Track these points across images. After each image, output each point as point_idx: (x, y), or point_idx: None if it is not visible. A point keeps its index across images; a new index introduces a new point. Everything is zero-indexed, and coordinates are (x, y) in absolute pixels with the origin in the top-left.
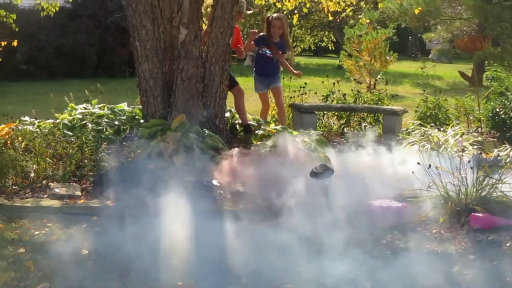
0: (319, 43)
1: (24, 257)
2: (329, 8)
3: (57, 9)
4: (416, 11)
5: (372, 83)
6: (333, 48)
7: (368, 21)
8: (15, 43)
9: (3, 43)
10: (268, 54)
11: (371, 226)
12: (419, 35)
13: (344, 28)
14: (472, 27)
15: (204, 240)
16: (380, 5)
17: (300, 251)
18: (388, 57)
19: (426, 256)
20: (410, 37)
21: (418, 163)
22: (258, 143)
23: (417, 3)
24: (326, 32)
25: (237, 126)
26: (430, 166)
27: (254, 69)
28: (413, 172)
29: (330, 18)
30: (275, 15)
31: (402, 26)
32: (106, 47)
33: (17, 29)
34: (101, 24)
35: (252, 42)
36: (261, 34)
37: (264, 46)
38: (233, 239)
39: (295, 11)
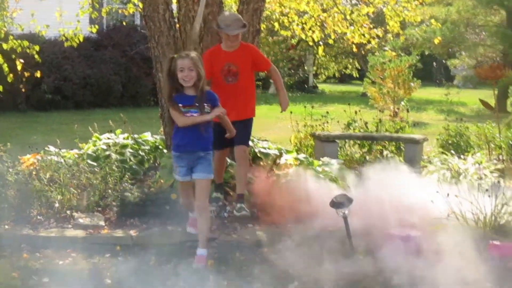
0: (344, 70)
1: (48, 287)
2: (354, 40)
3: (81, 40)
4: (436, 41)
5: (395, 110)
6: (358, 75)
7: (394, 54)
8: (38, 74)
9: (26, 74)
10: (192, 115)
11: (390, 255)
12: (444, 61)
13: (368, 55)
14: (496, 54)
15: None
16: (401, 38)
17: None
18: (412, 84)
19: (447, 285)
20: (434, 64)
21: (437, 192)
22: (279, 172)
23: (440, 30)
24: (350, 60)
25: (258, 154)
26: (448, 195)
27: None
28: (432, 201)
29: (355, 50)
30: (182, 52)
31: (426, 53)
32: (131, 76)
33: (40, 60)
34: (126, 54)
35: None
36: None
37: (184, 105)
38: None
39: (320, 42)
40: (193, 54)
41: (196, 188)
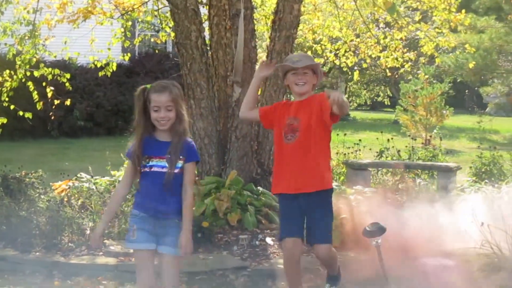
0: (375, 97)
1: None
2: (387, 64)
3: (115, 68)
4: (470, 65)
5: (428, 138)
6: (389, 103)
7: (426, 76)
8: (68, 102)
9: (56, 102)
10: (158, 169)
11: (424, 285)
12: (476, 89)
13: (400, 83)
14: None
15: None
16: (437, 60)
17: None
18: (444, 112)
19: None
20: (466, 91)
21: (471, 221)
22: None
23: (473, 57)
24: (382, 87)
25: None
26: (482, 224)
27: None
28: (466, 230)
29: (388, 74)
30: (157, 84)
31: (458, 80)
32: None
33: (70, 88)
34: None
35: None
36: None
37: (150, 156)
38: None
39: (355, 67)
40: (173, 87)
41: (163, 266)
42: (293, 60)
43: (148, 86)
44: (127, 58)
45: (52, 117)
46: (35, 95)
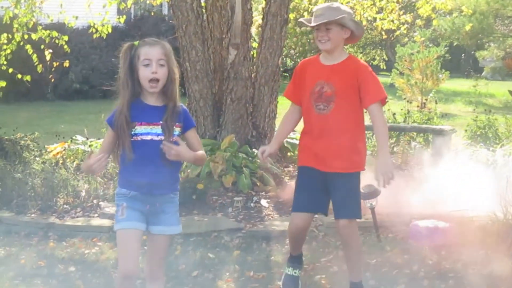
0: (371, 61)
1: (74, 275)
2: (383, 26)
3: (110, 31)
4: (468, 27)
5: (423, 101)
6: (385, 66)
7: (422, 38)
8: (66, 64)
9: (55, 64)
10: (153, 138)
11: (417, 247)
12: (472, 52)
13: (396, 46)
14: None
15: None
16: (435, 22)
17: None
18: (440, 75)
19: (473, 278)
20: (463, 55)
21: (466, 184)
22: None
23: (469, 21)
24: (378, 51)
25: (285, 144)
26: (477, 186)
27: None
28: (460, 193)
29: (384, 37)
30: (148, 39)
31: (455, 44)
32: None
33: (68, 50)
34: None
35: None
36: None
37: (140, 122)
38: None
39: None
40: (165, 42)
41: (154, 248)
42: (316, 13)
43: (136, 42)
44: (122, 20)
45: (52, 80)
46: (35, 58)
